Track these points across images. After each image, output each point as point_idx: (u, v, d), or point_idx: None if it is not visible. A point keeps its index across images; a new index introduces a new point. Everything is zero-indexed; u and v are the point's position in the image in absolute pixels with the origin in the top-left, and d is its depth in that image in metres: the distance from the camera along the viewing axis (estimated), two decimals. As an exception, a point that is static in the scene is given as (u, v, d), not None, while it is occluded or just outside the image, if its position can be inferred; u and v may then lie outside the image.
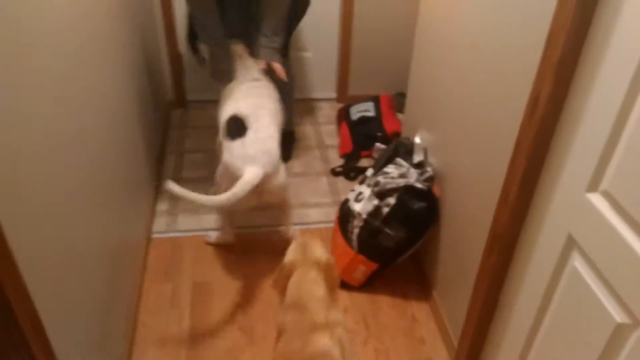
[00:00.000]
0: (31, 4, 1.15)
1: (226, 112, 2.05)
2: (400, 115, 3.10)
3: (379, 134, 2.96)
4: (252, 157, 1.83)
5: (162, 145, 2.95)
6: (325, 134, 3.22)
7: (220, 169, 1.97)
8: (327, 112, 3.47)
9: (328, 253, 1.60)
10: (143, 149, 2.36)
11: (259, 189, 1.83)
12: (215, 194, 1.82)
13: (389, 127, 2.98)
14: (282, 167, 1.98)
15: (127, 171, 2.01)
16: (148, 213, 2.36)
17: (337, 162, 2.96)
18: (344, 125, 3.10)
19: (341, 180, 2.83)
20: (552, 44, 1.13)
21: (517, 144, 1.31)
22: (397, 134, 2.91)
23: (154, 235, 2.35)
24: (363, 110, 3.07)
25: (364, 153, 2.99)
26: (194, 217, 2.47)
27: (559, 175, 1.24)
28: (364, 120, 3.02)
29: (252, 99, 2.08)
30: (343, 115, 3.17)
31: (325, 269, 1.53)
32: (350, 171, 2.85)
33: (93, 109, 1.59)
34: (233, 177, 1.81)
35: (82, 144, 1.46)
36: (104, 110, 1.71)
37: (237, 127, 1.93)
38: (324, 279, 1.50)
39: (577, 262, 1.21)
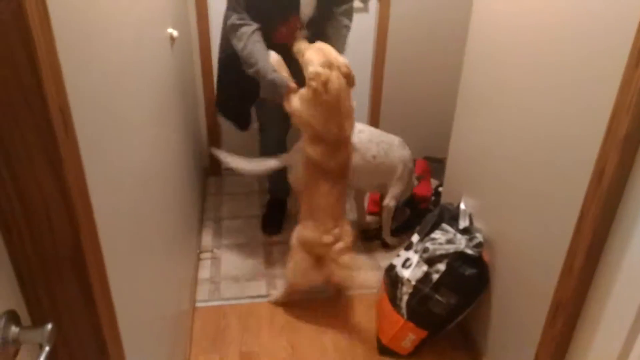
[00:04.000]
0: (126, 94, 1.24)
1: None
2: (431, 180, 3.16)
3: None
4: None
5: (201, 212, 3.00)
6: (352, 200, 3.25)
7: None
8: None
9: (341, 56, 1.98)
10: (191, 216, 2.41)
11: None
12: None
13: (419, 191, 3.03)
14: None
15: (182, 239, 2.06)
16: (192, 281, 2.38)
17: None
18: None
19: (374, 245, 2.84)
20: (616, 121, 1.19)
21: (582, 215, 1.34)
22: (425, 199, 2.95)
23: (198, 304, 2.35)
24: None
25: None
26: (236, 284, 2.47)
27: (628, 243, 1.26)
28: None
29: None
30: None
31: (345, 73, 1.93)
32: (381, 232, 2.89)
33: (159, 179, 1.65)
34: None
35: (157, 211, 1.52)
36: (167, 180, 1.78)
37: None
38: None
39: (652, 332, 1.21)
